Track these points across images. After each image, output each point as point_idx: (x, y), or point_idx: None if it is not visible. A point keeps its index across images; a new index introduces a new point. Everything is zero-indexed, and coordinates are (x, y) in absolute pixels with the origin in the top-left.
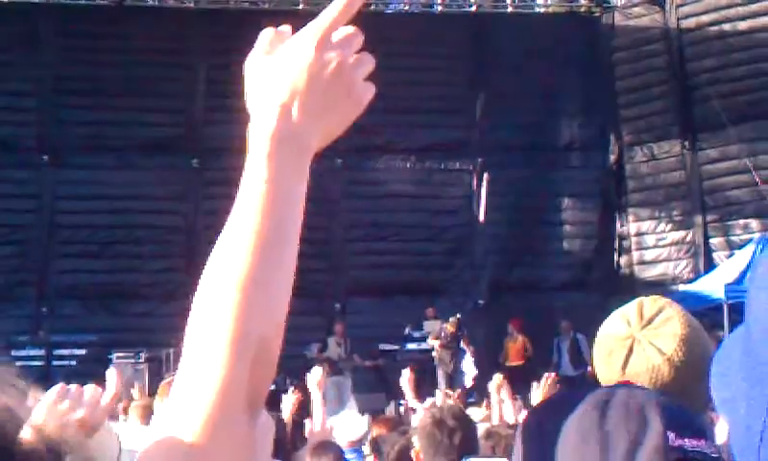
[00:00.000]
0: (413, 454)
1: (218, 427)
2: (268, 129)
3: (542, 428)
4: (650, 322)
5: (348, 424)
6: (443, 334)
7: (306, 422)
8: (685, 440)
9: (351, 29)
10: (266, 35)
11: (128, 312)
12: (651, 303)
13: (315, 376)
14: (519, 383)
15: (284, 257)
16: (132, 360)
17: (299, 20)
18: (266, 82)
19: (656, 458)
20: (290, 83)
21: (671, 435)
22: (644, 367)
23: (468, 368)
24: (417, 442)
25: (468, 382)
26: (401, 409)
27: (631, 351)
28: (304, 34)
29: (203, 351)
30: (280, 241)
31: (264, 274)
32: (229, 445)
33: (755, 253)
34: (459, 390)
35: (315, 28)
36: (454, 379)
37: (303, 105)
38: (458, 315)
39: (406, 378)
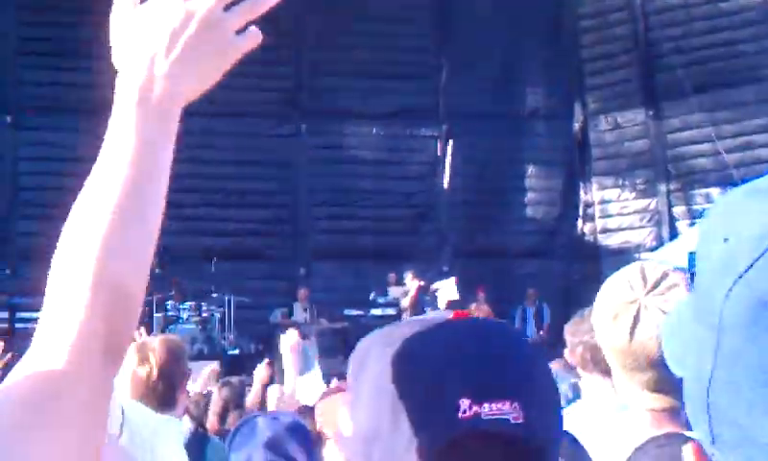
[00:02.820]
0: None
1: (71, 371)
2: (134, 79)
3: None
4: (655, 286)
5: (310, 388)
6: (409, 294)
7: (272, 388)
8: (484, 405)
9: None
10: None
11: None
12: (653, 267)
13: (289, 340)
14: None
15: (147, 207)
16: None
17: None
18: (132, 34)
19: (438, 439)
20: (156, 33)
21: (464, 402)
22: (654, 333)
23: None
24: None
25: None
26: None
27: (638, 315)
28: None
29: (59, 293)
30: (144, 190)
31: (124, 222)
32: (83, 389)
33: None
34: None
35: None
36: None
37: (169, 54)
38: (417, 279)
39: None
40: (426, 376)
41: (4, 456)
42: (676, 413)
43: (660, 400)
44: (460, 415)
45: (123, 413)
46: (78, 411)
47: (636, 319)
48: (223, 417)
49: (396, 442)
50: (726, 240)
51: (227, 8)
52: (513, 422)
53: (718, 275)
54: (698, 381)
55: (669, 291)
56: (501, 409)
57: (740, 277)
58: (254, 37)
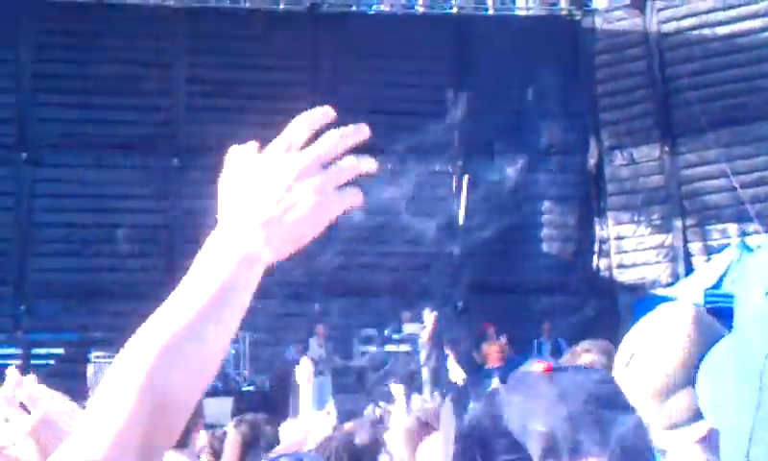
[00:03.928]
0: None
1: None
2: (235, 248)
3: None
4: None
5: (324, 424)
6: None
7: (285, 424)
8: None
9: (350, 160)
10: (236, 151)
11: (107, 311)
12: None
13: (304, 371)
14: None
15: (213, 334)
16: (111, 360)
17: (278, 22)
18: (242, 198)
19: None
20: (265, 207)
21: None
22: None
23: (455, 371)
24: (399, 446)
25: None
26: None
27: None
28: (287, 159)
29: (112, 391)
30: (214, 317)
31: (188, 339)
32: None
33: (733, 257)
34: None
35: (300, 157)
36: (439, 378)
37: (272, 232)
38: (434, 312)
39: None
40: (518, 427)
41: None
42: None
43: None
44: None
45: None
46: None
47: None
48: (242, 456)
49: None
50: (767, 294)
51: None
52: None
53: (759, 331)
54: (737, 437)
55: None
56: None
57: None
58: (354, 197)
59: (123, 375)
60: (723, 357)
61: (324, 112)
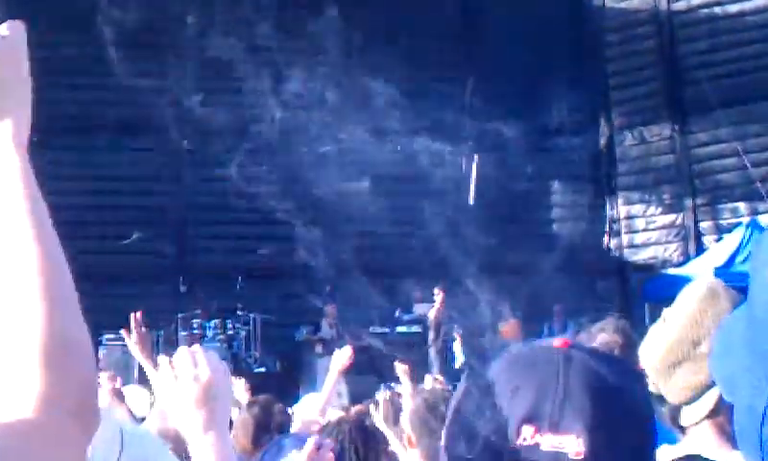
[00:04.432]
0: (405, 438)
1: (47, 439)
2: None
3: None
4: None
5: (334, 406)
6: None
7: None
8: (546, 436)
9: None
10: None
11: (118, 294)
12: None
13: (342, 359)
14: None
15: (61, 262)
16: (122, 342)
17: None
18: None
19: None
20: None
21: (526, 429)
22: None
23: (458, 355)
24: (408, 427)
25: (459, 364)
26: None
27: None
28: None
29: (16, 360)
30: (53, 247)
31: (52, 280)
32: (55, 451)
33: (744, 236)
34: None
35: None
36: (446, 360)
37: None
38: (441, 292)
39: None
40: (502, 397)
41: None
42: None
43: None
44: (519, 442)
45: (122, 439)
46: None
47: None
48: (256, 437)
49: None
50: None
51: None
52: (571, 457)
53: None
54: (750, 415)
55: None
56: (562, 443)
57: None
58: (15, 28)
59: (21, 339)
60: (735, 330)
61: None
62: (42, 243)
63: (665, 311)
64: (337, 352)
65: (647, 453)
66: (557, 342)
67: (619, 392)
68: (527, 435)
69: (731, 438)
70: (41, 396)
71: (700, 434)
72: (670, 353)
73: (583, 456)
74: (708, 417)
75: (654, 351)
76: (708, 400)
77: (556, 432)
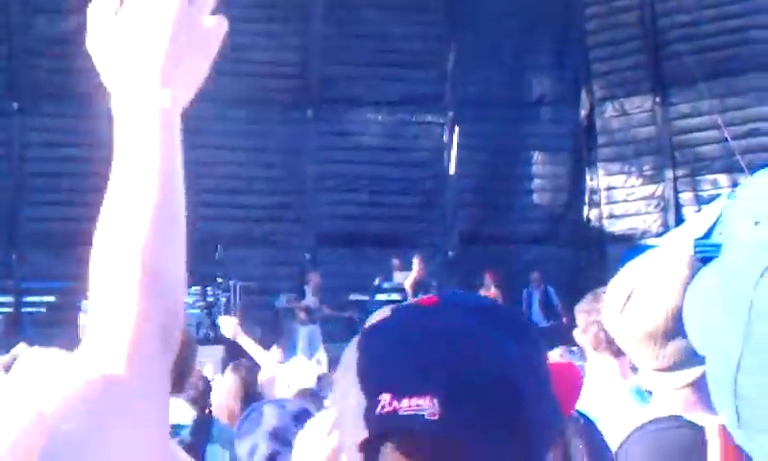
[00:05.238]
0: None
1: (133, 362)
2: (135, 95)
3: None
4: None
5: (298, 373)
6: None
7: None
8: (403, 401)
9: None
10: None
11: None
12: (661, 253)
13: (227, 327)
14: None
15: (179, 201)
16: None
17: None
18: (114, 45)
19: (360, 432)
20: (138, 43)
21: (384, 398)
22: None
23: None
24: None
25: None
26: None
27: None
28: (155, 6)
29: (108, 291)
30: (176, 185)
31: (163, 214)
32: (144, 379)
33: (723, 208)
34: None
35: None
36: None
37: (157, 62)
38: (418, 259)
39: None
40: (362, 369)
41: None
42: (698, 387)
43: (680, 377)
44: (378, 411)
45: None
46: (145, 410)
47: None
48: (243, 400)
49: (341, 434)
50: (756, 224)
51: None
52: (427, 418)
53: (748, 259)
54: (724, 365)
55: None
56: (418, 405)
57: None
58: (220, 23)
59: (116, 273)
60: (710, 282)
61: None
62: (160, 179)
63: (640, 276)
64: (222, 321)
65: (520, 416)
66: (424, 299)
67: (484, 348)
68: (385, 402)
69: (701, 404)
70: (138, 311)
71: (673, 398)
72: (668, 322)
73: (437, 416)
74: (688, 385)
75: (647, 318)
76: (695, 370)
77: (411, 396)
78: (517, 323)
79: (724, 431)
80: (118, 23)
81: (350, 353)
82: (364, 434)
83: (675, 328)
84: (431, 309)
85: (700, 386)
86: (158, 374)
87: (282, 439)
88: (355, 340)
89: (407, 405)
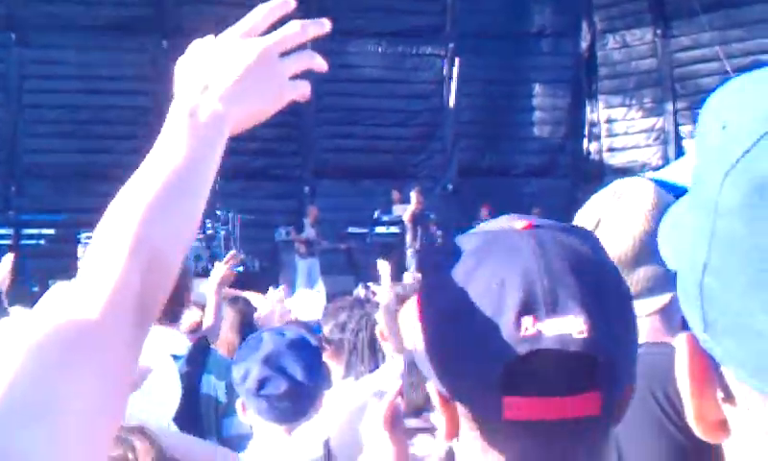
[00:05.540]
0: (377, 332)
1: (104, 323)
2: (189, 97)
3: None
4: (620, 197)
5: (306, 304)
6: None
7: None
8: (546, 322)
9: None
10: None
11: (97, 193)
12: (624, 182)
13: (216, 277)
14: None
15: (192, 192)
16: None
17: None
18: (195, 65)
19: (500, 358)
20: (215, 63)
21: (525, 320)
22: (615, 233)
23: None
24: (381, 319)
25: None
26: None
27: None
28: (248, 44)
29: (101, 249)
30: (200, 179)
31: (170, 197)
32: (113, 342)
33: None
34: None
35: (261, 42)
36: None
37: (225, 78)
38: (416, 191)
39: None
40: (489, 293)
41: (46, 391)
42: (667, 314)
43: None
44: (522, 334)
45: None
46: (110, 363)
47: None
48: (240, 332)
49: (459, 362)
50: (724, 127)
51: (283, 55)
52: (576, 336)
53: (715, 162)
54: (692, 270)
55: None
56: (564, 325)
57: (737, 161)
58: (304, 89)
59: (114, 231)
60: (681, 204)
61: (285, 3)
62: (183, 159)
63: (606, 205)
64: (217, 265)
65: (631, 314)
66: (519, 223)
67: (595, 261)
68: (527, 325)
69: (668, 331)
70: (118, 286)
71: (640, 325)
72: (636, 248)
73: (587, 334)
74: (656, 312)
75: (614, 245)
76: (664, 297)
77: (554, 315)
78: (593, 235)
79: (692, 339)
80: (210, 51)
81: (451, 284)
82: (502, 361)
83: (642, 255)
84: (535, 232)
85: (668, 313)
86: (127, 341)
87: (274, 365)
88: (459, 267)
89: (553, 327)
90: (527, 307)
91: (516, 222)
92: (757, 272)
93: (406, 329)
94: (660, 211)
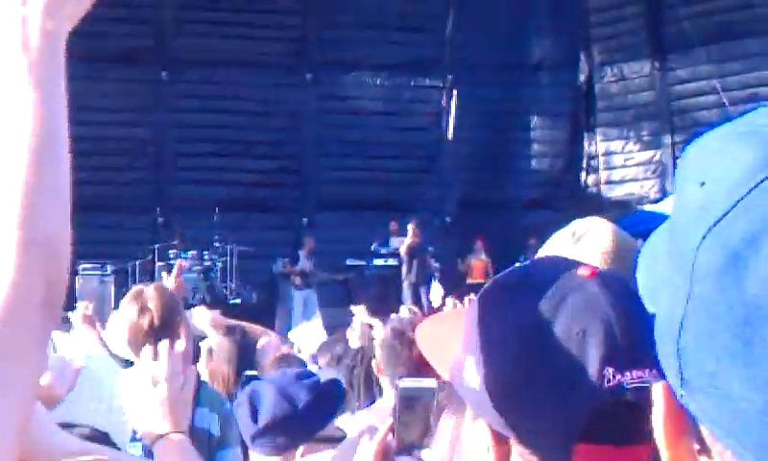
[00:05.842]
0: (374, 365)
1: (12, 324)
2: (17, 37)
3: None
4: (579, 240)
5: (311, 337)
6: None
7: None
8: (626, 374)
9: None
10: None
11: (95, 224)
12: (584, 223)
13: (202, 318)
14: None
15: (60, 156)
16: (99, 272)
17: None
18: None
19: (582, 405)
20: None
21: (608, 371)
22: None
23: (435, 287)
24: (377, 353)
25: (437, 301)
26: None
27: None
28: None
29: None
30: (54, 140)
31: (44, 176)
32: (22, 340)
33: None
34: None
35: None
36: (419, 293)
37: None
38: (413, 224)
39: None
40: (570, 342)
41: None
42: None
43: None
44: (605, 384)
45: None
46: (15, 361)
47: None
48: (238, 363)
49: (535, 405)
50: (702, 184)
51: None
52: (655, 384)
53: (693, 220)
54: (669, 324)
55: (591, 242)
56: (642, 377)
57: (714, 224)
58: None
59: (4, 232)
60: (659, 244)
61: None
62: (43, 137)
63: (564, 247)
64: (195, 312)
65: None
66: (585, 271)
67: (646, 310)
68: (609, 377)
69: None
70: (12, 282)
71: None
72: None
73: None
74: None
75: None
76: None
77: (633, 368)
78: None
79: (668, 389)
80: None
81: (520, 324)
82: (583, 408)
83: None
84: (602, 281)
85: None
86: (37, 335)
87: (285, 394)
88: (533, 312)
89: (631, 377)
90: (609, 359)
91: (580, 269)
92: (731, 338)
93: (437, 359)
94: (617, 255)
